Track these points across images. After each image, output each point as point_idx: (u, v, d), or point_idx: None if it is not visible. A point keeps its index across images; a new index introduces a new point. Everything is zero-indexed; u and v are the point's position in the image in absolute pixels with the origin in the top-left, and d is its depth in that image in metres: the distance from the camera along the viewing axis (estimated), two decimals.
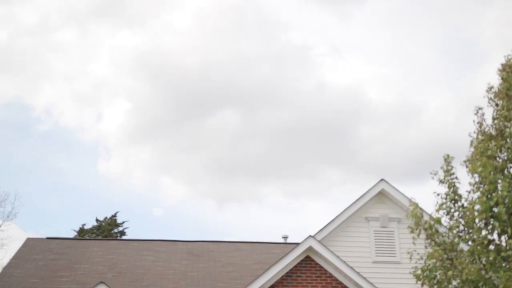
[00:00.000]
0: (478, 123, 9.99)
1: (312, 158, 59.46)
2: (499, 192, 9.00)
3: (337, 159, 59.98)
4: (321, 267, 15.43)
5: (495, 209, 9.18)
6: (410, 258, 9.93)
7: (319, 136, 58.15)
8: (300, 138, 57.68)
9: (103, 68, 58.20)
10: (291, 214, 58.23)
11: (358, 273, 15.13)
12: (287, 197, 59.73)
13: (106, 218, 38.29)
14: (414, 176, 55.16)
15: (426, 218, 9.99)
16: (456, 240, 9.43)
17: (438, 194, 9.74)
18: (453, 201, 9.56)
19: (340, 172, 61.07)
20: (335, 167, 61.26)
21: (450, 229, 9.50)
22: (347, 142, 58.36)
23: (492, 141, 9.54)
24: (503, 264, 8.86)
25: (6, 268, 18.38)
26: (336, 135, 58.57)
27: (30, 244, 20.28)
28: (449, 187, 9.68)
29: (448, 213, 9.60)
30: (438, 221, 9.56)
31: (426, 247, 9.70)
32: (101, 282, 13.94)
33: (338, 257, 15.28)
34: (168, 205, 60.65)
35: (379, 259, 16.29)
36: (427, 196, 10.60)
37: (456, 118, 55.84)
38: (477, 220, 9.18)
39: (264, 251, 20.65)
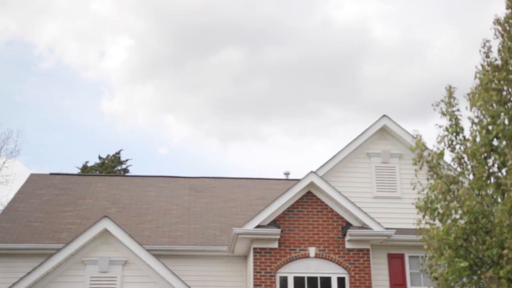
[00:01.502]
0: (484, 53, 9.81)
1: (315, 97, 59.28)
2: (500, 126, 8.96)
3: (340, 98, 59.83)
4: (322, 202, 15.58)
5: (495, 143, 9.16)
6: (414, 188, 9.98)
7: (322, 74, 57.79)
8: (304, 76, 57.35)
9: (105, 5, 57.42)
10: (294, 153, 58.50)
11: (359, 208, 15.28)
12: (290, 136, 59.86)
13: (109, 155, 38.46)
14: (417, 115, 55.07)
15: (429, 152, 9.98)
16: (459, 170, 9.43)
17: (440, 126, 9.68)
18: (454, 134, 9.52)
19: (343, 110, 61.00)
20: (338, 106, 61.14)
21: (453, 161, 9.49)
22: (350, 81, 58.05)
23: (497, 73, 9.41)
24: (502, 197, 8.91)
25: (11, 203, 18.59)
26: (340, 73, 58.21)
27: (34, 180, 20.45)
28: (450, 119, 9.61)
29: (449, 146, 9.57)
30: (441, 154, 9.55)
31: (428, 179, 9.73)
32: (105, 217, 14.10)
33: (339, 192, 15.40)
34: (172, 144, 60.91)
35: (380, 194, 16.41)
36: (430, 134, 10.58)
37: (461, 55, 55.35)
38: (477, 154, 9.16)
39: (266, 187, 20.82)
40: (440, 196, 9.18)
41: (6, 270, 15.53)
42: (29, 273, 13.40)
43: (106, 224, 13.88)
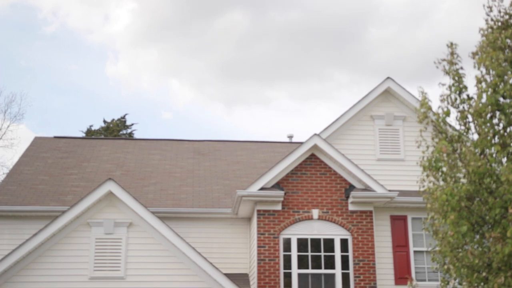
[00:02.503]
0: (488, 7, 9.64)
1: (320, 60, 58.95)
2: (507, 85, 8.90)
3: (345, 61, 59.48)
4: (325, 164, 15.62)
5: (501, 102, 9.10)
6: (418, 146, 9.97)
7: (328, 37, 57.35)
8: (309, 39, 56.93)
9: None
10: (298, 116, 58.43)
11: (362, 170, 15.33)
12: (294, 100, 59.73)
13: (113, 119, 38.48)
14: (423, 78, 54.76)
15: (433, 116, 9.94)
16: (463, 128, 9.39)
17: (443, 85, 9.61)
18: (457, 92, 9.45)
19: (349, 74, 60.71)
20: (343, 69, 60.84)
21: (457, 119, 9.44)
22: (356, 44, 57.62)
23: (504, 30, 9.29)
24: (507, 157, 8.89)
25: (16, 166, 18.70)
26: (345, 36, 57.75)
27: (38, 143, 20.53)
28: (453, 78, 9.53)
29: (452, 104, 9.52)
30: (447, 113, 9.49)
31: (433, 138, 9.71)
32: (110, 179, 14.17)
33: (342, 155, 15.43)
34: (176, 108, 60.86)
35: (383, 156, 16.43)
36: (435, 97, 10.51)
37: (468, 19, 54.75)
38: (483, 113, 9.11)
39: (270, 150, 20.87)
40: (444, 156, 9.16)
41: (13, 232, 15.71)
42: (35, 234, 13.54)
43: (111, 186, 13.97)
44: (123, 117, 38.79)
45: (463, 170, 9.06)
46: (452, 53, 9.65)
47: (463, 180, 9.11)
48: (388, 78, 16.70)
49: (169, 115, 60.22)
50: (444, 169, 9.20)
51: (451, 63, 9.59)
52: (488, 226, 8.90)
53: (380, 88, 16.64)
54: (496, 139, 9.13)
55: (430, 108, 9.68)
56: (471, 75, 9.57)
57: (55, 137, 21.31)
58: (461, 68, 9.60)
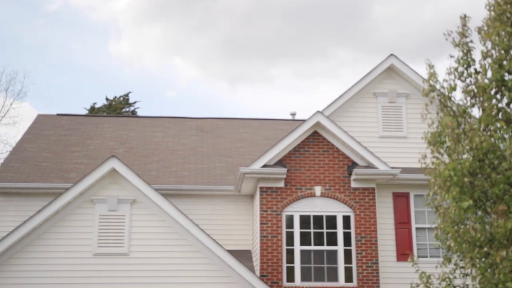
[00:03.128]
0: None
1: (324, 38, 58.69)
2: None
3: (349, 39, 59.20)
4: (328, 142, 15.63)
5: (507, 78, 9.07)
6: (424, 120, 9.96)
7: (331, 15, 57.01)
8: (313, 17, 56.60)
9: None
10: (302, 94, 58.33)
11: (365, 147, 15.34)
12: (298, 77, 59.57)
13: (116, 97, 38.45)
14: (427, 56, 54.47)
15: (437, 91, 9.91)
16: (468, 103, 9.37)
17: (452, 57, 9.53)
18: (465, 66, 9.37)
19: (353, 51, 60.45)
20: (347, 47, 60.57)
21: (463, 93, 9.41)
22: (360, 21, 57.30)
23: (509, 5, 9.21)
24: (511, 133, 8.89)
25: (19, 143, 18.75)
26: (349, 13, 57.41)
27: (41, 121, 20.56)
28: (463, 50, 9.44)
29: (459, 77, 9.46)
30: (453, 88, 9.46)
31: (437, 113, 9.69)
32: (113, 156, 14.20)
33: (345, 132, 15.43)
34: (180, 86, 60.75)
35: (386, 134, 16.42)
36: (439, 75, 10.44)
37: None
38: (487, 89, 9.08)
39: (272, 127, 20.88)
40: (449, 131, 9.16)
41: (17, 209, 15.80)
42: (39, 211, 13.62)
43: (114, 163, 14.00)
44: (126, 95, 38.75)
45: (467, 146, 9.06)
46: (463, 25, 9.54)
47: (466, 156, 9.12)
48: (391, 55, 16.63)
49: (173, 93, 60.16)
50: (448, 143, 9.20)
51: (463, 35, 9.49)
52: (491, 201, 8.94)
53: (384, 65, 16.58)
54: (500, 115, 9.11)
55: (437, 81, 9.63)
56: (476, 49, 9.52)
57: (58, 114, 21.34)
58: (471, 41, 9.51)
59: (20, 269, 13.43)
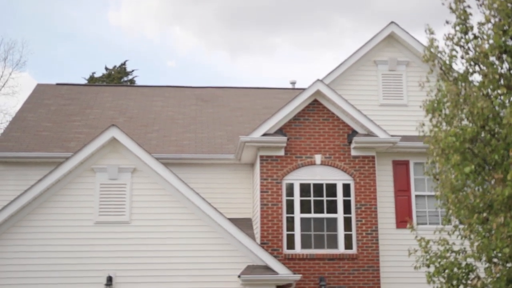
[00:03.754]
0: None
1: (324, 6, 58.19)
2: None
3: (350, 7, 58.71)
4: (328, 110, 15.62)
5: (510, 43, 9.01)
6: (422, 88, 9.94)
7: None
8: None
9: None
10: (302, 64, 58.04)
11: (365, 115, 15.33)
12: (298, 46, 59.22)
13: (115, 66, 38.26)
14: (427, 25, 53.97)
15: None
16: (468, 69, 9.34)
17: (448, 22, 9.47)
18: (463, 32, 9.33)
19: (353, 20, 60.03)
20: (348, 15, 60.12)
21: (462, 59, 9.36)
22: None
23: None
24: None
25: (19, 112, 18.73)
26: None
27: (41, 90, 20.52)
28: (459, 17, 9.38)
29: (457, 43, 9.41)
30: (453, 56, 9.42)
31: (438, 80, 9.66)
32: (113, 125, 14.20)
33: (345, 100, 15.41)
34: (179, 56, 60.43)
35: (386, 102, 16.39)
36: (439, 42, 10.36)
37: None
38: (489, 55, 9.03)
39: (272, 96, 20.84)
40: (449, 98, 9.14)
41: (18, 178, 15.85)
42: (40, 180, 13.67)
43: (114, 132, 14.01)
44: (124, 64, 38.52)
45: (467, 113, 9.05)
46: None
47: (466, 122, 9.13)
48: (392, 22, 16.52)
49: (173, 63, 59.88)
50: (447, 111, 9.20)
51: (459, 0, 9.41)
52: (490, 168, 8.97)
53: (384, 33, 16.48)
54: (502, 82, 9.09)
55: (437, 48, 9.58)
56: (474, 14, 9.44)
57: (57, 84, 21.28)
58: (468, 6, 9.43)
59: (22, 238, 13.53)
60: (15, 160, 16.00)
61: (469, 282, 9.29)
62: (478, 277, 9.12)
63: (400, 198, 15.62)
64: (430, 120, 9.53)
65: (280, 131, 15.29)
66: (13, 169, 16.03)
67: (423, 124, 10.30)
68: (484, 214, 8.78)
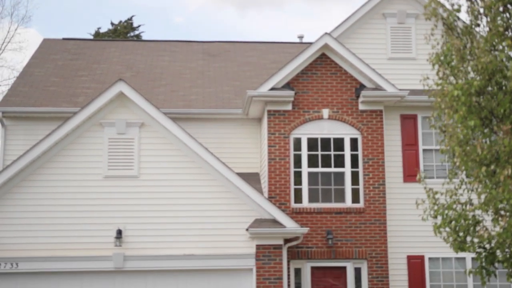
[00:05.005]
0: None
1: None
2: None
3: None
4: (336, 64, 15.52)
5: None
6: (428, 42, 9.87)
7: None
8: None
9: None
10: (312, 19, 57.39)
11: (373, 69, 15.23)
12: (307, 2, 58.47)
13: (121, 21, 37.97)
14: None
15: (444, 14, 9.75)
16: (473, 22, 9.25)
17: None
18: None
19: None
20: None
21: (467, 12, 9.26)
22: None
23: None
24: None
25: (26, 67, 18.71)
26: None
27: (47, 45, 20.44)
28: None
29: None
30: (457, 10, 9.32)
31: (442, 36, 9.58)
32: (120, 80, 14.18)
33: (353, 54, 15.30)
34: (188, 11, 59.81)
35: (394, 55, 16.24)
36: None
37: None
38: (494, 7, 8.91)
39: (280, 50, 20.69)
40: (454, 53, 9.08)
41: (27, 133, 15.94)
42: (48, 135, 13.73)
43: (122, 87, 14.00)
44: (130, 19, 38.20)
45: (473, 66, 8.99)
46: None
47: (472, 75, 9.07)
48: None
49: (181, 19, 59.32)
50: (454, 63, 9.13)
51: None
52: (497, 120, 8.95)
53: None
54: (509, 33, 8.99)
55: (439, 4, 9.47)
56: None
57: (64, 39, 21.17)
58: None
59: (32, 191, 13.67)
60: (23, 115, 16.06)
61: (475, 233, 9.37)
62: (485, 228, 9.20)
63: (407, 152, 15.62)
64: (437, 73, 9.47)
65: (288, 86, 15.24)
66: (22, 124, 16.10)
67: (427, 77, 10.25)
68: (492, 167, 8.80)
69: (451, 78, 9.33)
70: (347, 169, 15.14)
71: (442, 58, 9.15)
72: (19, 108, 16.03)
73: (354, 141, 15.26)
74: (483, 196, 9.32)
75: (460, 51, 9.07)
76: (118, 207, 13.76)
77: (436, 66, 9.40)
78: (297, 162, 15.13)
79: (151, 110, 13.97)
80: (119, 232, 13.56)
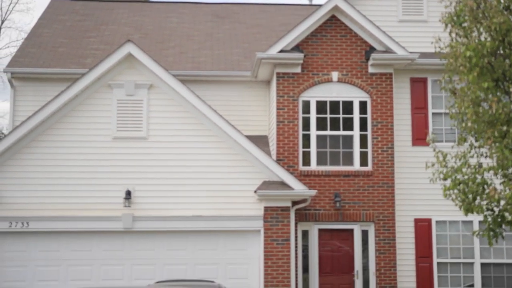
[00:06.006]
0: None
1: None
2: None
3: None
4: (346, 26, 15.38)
5: None
6: (441, 1, 9.74)
7: None
8: None
9: None
10: None
11: (383, 32, 15.08)
12: None
13: None
14: None
15: None
16: None
17: None
18: None
19: None
20: None
21: None
22: None
23: None
24: None
25: (34, 28, 18.64)
26: None
27: (55, 6, 20.32)
28: None
29: None
30: None
31: None
32: (129, 41, 14.11)
33: (364, 16, 15.14)
34: None
35: (405, 18, 15.82)
36: None
37: None
38: None
39: (290, 12, 20.51)
40: (467, 13, 8.96)
41: (36, 94, 15.97)
42: (57, 95, 13.74)
43: (130, 48, 13.94)
44: None
45: (486, 27, 8.88)
46: None
47: (484, 36, 8.97)
48: None
49: None
50: (466, 24, 9.02)
51: None
52: (510, 82, 8.87)
53: None
54: None
55: None
56: None
57: (71, 0, 21.03)
58: None
59: (42, 152, 13.74)
60: (32, 76, 16.06)
61: (484, 195, 9.37)
62: (495, 189, 9.20)
63: (417, 116, 15.55)
64: (449, 34, 9.35)
65: (297, 48, 15.13)
66: (31, 85, 16.11)
67: (439, 39, 10.13)
68: (504, 128, 8.74)
69: (464, 39, 9.22)
70: (356, 132, 15.12)
71: (455, 18, 9.03)
72: (28, 69, 16.02)
73: (363, 104, 15.20)
74: (493, 160, 9.28)
75: (473, 11, 8.95)
76: (127, 168, 13.82)
77: (449, 27, 9.28)
78: (306, 125, 15.11)
79: (160, 72, 13.93)
80: (128, 193, 13.65)
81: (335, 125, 15.12)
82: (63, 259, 13.64)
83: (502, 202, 9.83)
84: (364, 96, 15.20)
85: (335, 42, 15.33)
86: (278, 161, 14.74)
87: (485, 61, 8.73)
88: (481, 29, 9.07)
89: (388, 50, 15.06)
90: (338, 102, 15.18)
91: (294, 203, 14.12)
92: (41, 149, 13.75)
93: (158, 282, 12.36)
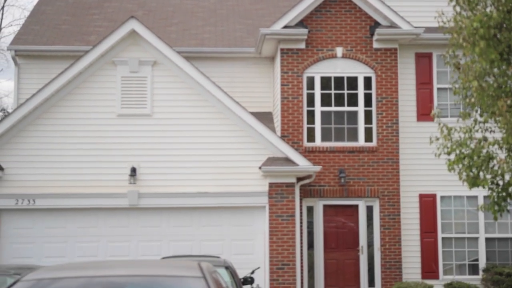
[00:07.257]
0: None
1: None
2: None
3: None
4: (350, 1, 15.32)
5: None
6: None
7: None
8: None
9: None
10: None
11: (388, 6, 14.98)
12: None
13: None
14: None
15: None
16: None
17: None
18: None
19: None
20: None
21: None
22: None
23: None
24: None
25: (37, 6, 18.57)
26: None
27: None
28: None
29: None
30: None
31: None
32: (132, 17, 14.06)
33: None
34: None
35: None
36: None
37: None
38: None
39: None
40: None
41: (40, 71, 15.96)
42: (61, 73, 13.74)
43: (134, 24, 13.89)
44: None
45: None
46: None
47: (490, 9, 8.88)
48: None
49: None
50: None
51: None
52: None
53: None
54: None
55: None
56: None
57: None
58: None
59: (47, 129, 13.78)
60: (36, 53, 16.03)
61: (489, 169, 9.36)
62: (502, 159, 9.17)
63: (421, 91, 15.49)
64: (454, 8, 9.27)
65: (301, 24, 15.05)
66: (35, 63, 16.10)
67: (442, 13, 10.04)
68: (508, 101, 8.69)
69: (468, 12, 9.13)
70: (360, 108, 15.09)
71: None
72: (31, 46, 16.00)
73: (367, 80, 15.14)
74: (502, 132, 9.25)
75: None
76: (131, 145, 13.85)
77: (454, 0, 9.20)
78: (310, 101, 15.07)
79: (164, 48, 13.88)
80: (133, 170, 13.69)
81: (339, 101, 15.09)
82: (70, 235, 13.75)
83: (507, 176, 9.82)
84: (369, 72, 15.14)
85: (339, 17, 15.24)
86: (283, 137, 14.73)
87: (491, 33, 8.65)
88: (488, 1, 8.98)
89: (393, 25, 14.97)
90: (342, 78, 15.13)
91: (299, 179, 14.15)
92: (46, 127, 13.78)
93: (164, 258, 12.45)
